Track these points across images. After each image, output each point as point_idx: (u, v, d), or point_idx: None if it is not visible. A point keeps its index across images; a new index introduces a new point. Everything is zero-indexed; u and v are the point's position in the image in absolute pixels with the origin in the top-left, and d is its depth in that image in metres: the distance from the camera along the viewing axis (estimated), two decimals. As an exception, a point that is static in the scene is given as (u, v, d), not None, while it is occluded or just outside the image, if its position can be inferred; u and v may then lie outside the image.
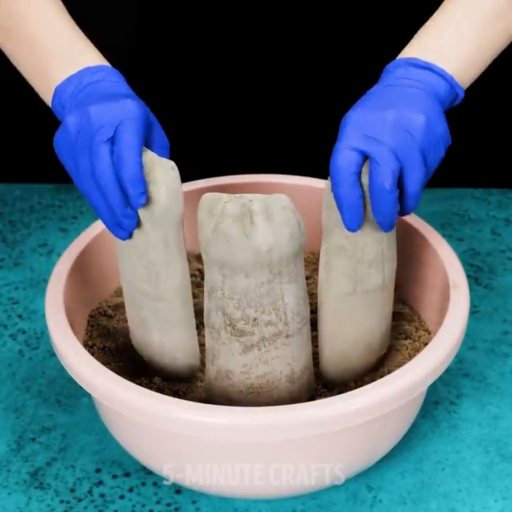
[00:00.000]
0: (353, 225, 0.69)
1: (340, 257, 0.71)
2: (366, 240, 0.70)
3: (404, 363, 0.72)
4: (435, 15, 0.75)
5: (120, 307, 0.85)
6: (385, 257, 0.72)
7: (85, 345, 0.80)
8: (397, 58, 0.74)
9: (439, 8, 0.76)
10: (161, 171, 0.68)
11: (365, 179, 0.68)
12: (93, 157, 0.68)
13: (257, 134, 1.12)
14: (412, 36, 0.76)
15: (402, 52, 0.74)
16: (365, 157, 0.68)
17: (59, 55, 0.74)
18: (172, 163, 0.69)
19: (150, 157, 0.68)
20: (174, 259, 0.71)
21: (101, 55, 0.75)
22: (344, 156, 0.67)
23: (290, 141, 1.13)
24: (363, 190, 0.68)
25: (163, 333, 0.75)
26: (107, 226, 0.71)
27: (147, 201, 0.68)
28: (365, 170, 0.68)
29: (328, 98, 1.09)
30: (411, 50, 0.74)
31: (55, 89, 0.73)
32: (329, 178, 0.69)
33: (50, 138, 0.72)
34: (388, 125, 0.67)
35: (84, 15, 0.82)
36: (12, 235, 1.08)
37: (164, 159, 0.69)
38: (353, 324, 0.74)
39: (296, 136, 1.12)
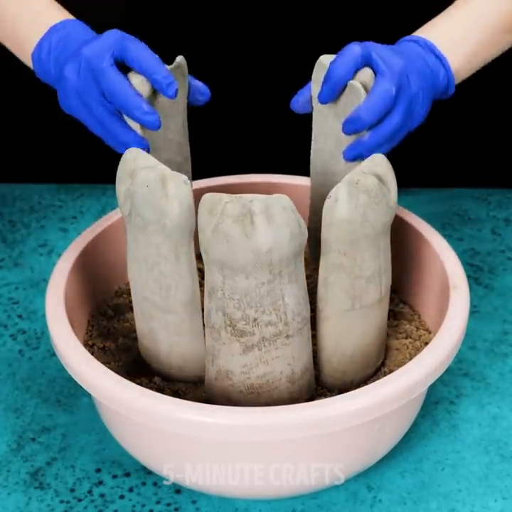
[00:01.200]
0: (322, 97, 0.75)
1: (338, 274, 0.71)
2: (364, 256, 0.70)
3: (405, 362, 0.72)
4: (452, 9, 0.81)
5: (120, 307, 0.85)
6: (382, 271, 0.72)
7: (85, 345, 0.80)
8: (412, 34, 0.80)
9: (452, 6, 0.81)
10: (174, 185, 0.68)
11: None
12: (105, 80, 0.70)
13: (258, 134, 1.12)
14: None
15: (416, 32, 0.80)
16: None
17: (26, 23, 0.76)
18: (185, 177, 0.69)
19: (162, 171, 0.68)
20: (185, 272, 0.71)
21: (65, 11, 0.77)
22: (353, 47, 0.74)
23: (291, 141, 1.13)
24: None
25: (172, 344, 0.75)
26: (139, 119, 0.72)
27: (159, 214, 0.68)
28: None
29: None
30: (424, 32, 0.79)
31: (32, 58, 0.75)
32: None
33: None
34: (397, 58, 0.74)
35: (77, 14, 0.82)
36: (12, 235, 1.08)
37: (177, 173, 0.69)
38: (351, 339, 0.74)
39: (297, 136, 1.12)
